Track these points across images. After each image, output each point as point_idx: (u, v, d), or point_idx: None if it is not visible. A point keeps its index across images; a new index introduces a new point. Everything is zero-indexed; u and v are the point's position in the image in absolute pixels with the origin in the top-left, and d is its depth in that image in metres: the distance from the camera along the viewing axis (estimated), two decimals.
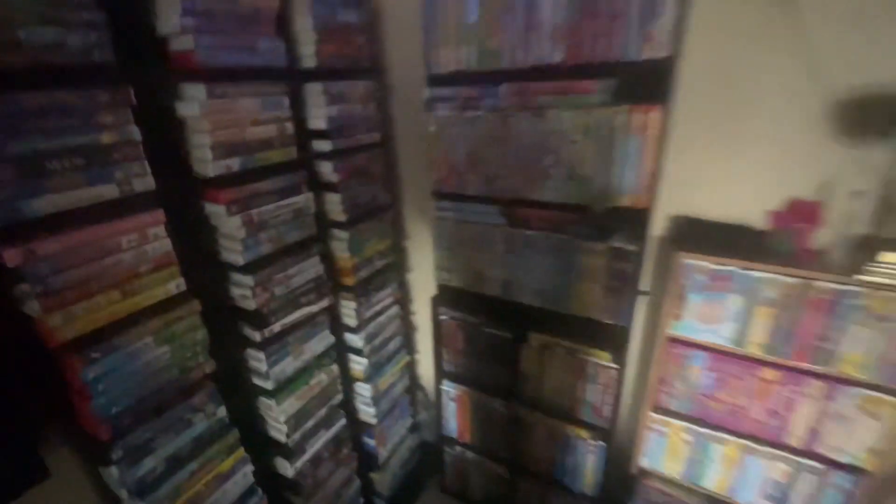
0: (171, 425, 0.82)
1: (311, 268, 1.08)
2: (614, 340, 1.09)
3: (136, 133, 0.69)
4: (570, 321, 1.14)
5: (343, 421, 1.28)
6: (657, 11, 0.82)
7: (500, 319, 1.24)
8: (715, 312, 0.98)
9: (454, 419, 1.49)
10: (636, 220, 0.98)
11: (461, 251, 1.23)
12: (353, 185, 1.17)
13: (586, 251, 1.04)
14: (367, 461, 1.46)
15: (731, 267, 0.94)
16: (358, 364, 1.32)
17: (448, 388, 1.44)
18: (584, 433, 1.20)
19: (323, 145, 1.08)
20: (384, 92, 1.25)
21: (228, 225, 0.87)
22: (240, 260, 0.90)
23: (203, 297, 0.84)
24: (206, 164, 0.82)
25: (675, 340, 1.05)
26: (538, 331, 1.19)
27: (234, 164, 0.86)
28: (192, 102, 0.78)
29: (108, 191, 0.67)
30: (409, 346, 1.55)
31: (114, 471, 0.74)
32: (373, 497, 1.52)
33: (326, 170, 1.10)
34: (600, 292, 1.07)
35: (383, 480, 1.51)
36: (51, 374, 0.66)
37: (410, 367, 1.58)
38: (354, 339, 1.29)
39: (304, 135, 1.05)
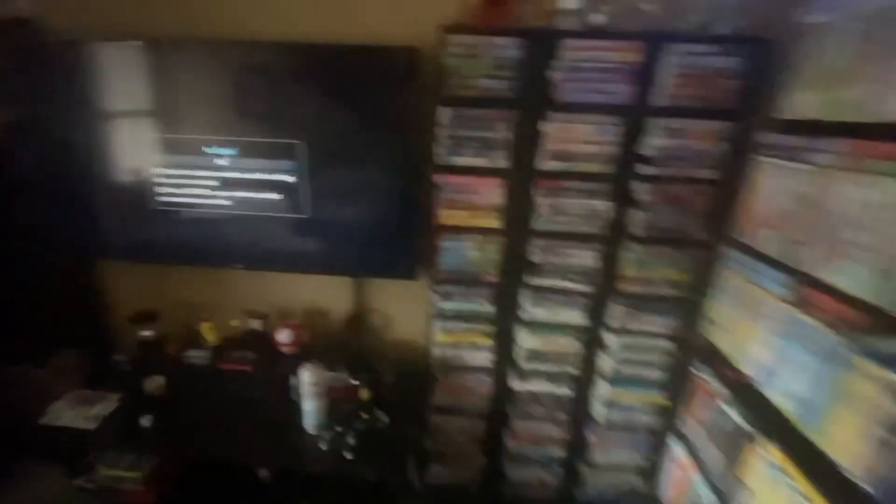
0: (463, 294, 1.45)
1: (587, 258, 1.37)
2: None
3: (507, 135, 1.27)
4: (816, 456, 0.84)
5: (567, 390, 1.53)
6: None
7: (744, 406, 1.06)
8: None
9: (670, 488, 1.37)
10: None
11: (732, 310, 1.11)
12: (662, 210, 1.30)
13: (861, 373, 0.75)
14: (581, 447, 1.63)
15: None
16: (603, 361, 1.49)
17: (676, 447, 1.34)
18: None
19: (644, 169, 1.29)
20: (746, 134, 1.23)
21: (540, 202, 1.33)
22: (537, 226, 1.36)
23: (510, 238, 1.38)
24: (541, 161, 1.30)
25: None
26: (779, 445, 0.94)
27: (558, 165, 1.29)
28: (548, 122, 1.26)
29: (483, 161, 1.30)
30: (675, 391, 1.49)
31: (435, 297, 1.47)
32: (576, 482, 1.68)
33: (639, 189, 1.31)
34: (863, 442, 0.75)
35: (593, 481, 1.63)
36: (431, 238, 1.41)
37: (667, 414, 1.52)
38: (608, 338, 1.46)
39: (633, 156, 1.31)
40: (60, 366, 1.61)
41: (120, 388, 1.44)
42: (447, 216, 1.37)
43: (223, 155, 1.38)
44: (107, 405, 1.38)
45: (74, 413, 1.34)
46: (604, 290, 1.42)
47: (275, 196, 1.42)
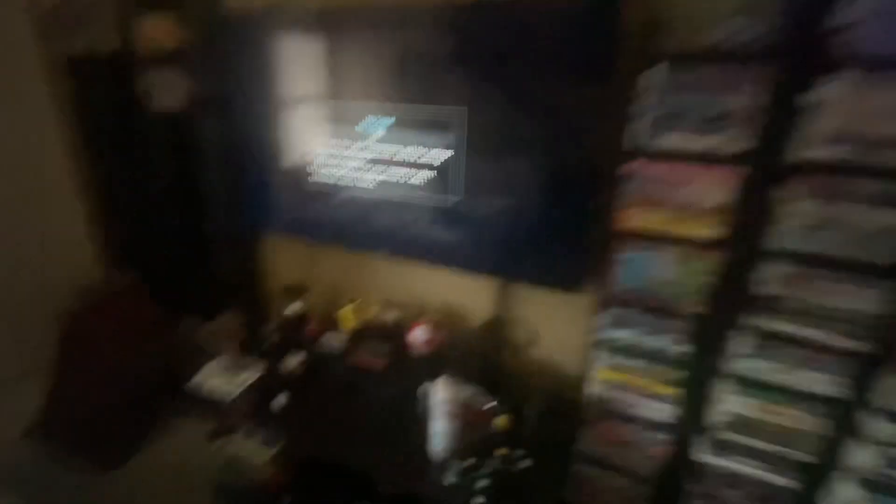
0: (645, 323, 1.09)
1: (864, 300, 0.88)
2: None
3: (752, 104, 0.86)
4: None
5: (787, 481, 1.05)
6: None
7: None
8: None
9: None
10: None
11: None
12: None
13: None
14: None
15: None
16: (861, 455, 0.98)
17: None
18: None
19: None
20: None
21: (795, 207, 0.89)
22: (783, 243, 0.92)
23: (733, 256, 0.97)
24: (807, 144, 0.86)
25: None
26: None
27: (837, 152, 0.83)
28: (828, 87, 0.82)
29: (706, 143, 0.91)
30: None
31: (602, 320, 1.14)
32: None
33: None
34: None
35: None
36: (609, 243, 1.08)
37: None
38: (881, 424, 0.94)
39: None
40: (223, 326, 1.73)
41: (264, 359, 1.45)
42: (637, 217, 1.02)
43: (379, 127, 1.27)
44: (250, 375, 1.40)
45: (222, 377, 1.38)
46: (887, 352, 0.90)
47: (427, 174, 1.25)
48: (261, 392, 1.34)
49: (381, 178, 1.32)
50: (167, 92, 1.59)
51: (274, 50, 1.34)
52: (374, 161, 1.31)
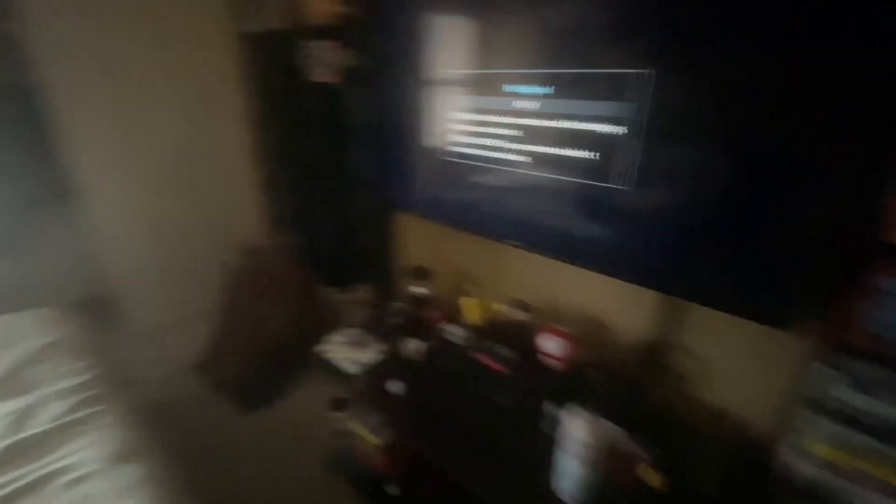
0: None
1: None
2: None
3: None
4: None
5: None
6: None
7: None
8: None
9: None
10: None
11: None
12: None
13: None
14: None
15: None
16: None
17: None
18: None
19: None
20: None
21: None
22: None
23: None
24: None
25: None
26: None
27: None
28: None
29: None
30: None
31: (828, 374, 0.80)
32: None
33: None
34: None
35: None
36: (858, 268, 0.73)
37: None
38: None
39: None
40: (354, 299, 1.76)
41: (386, 340, 1.41)
42: None
43: (534, 95, 1.08)
44: (373, 354, 1.37)
45: (347, 350, 1.38)
46: None
47: (587, 155, 1.03)
48: (379, 374, 1.29)
49: (531, 159, 1.14)
50: (326, 65, 1.64)
51: (427, 20, 1.25)
52: (525, 139, 1.14)
